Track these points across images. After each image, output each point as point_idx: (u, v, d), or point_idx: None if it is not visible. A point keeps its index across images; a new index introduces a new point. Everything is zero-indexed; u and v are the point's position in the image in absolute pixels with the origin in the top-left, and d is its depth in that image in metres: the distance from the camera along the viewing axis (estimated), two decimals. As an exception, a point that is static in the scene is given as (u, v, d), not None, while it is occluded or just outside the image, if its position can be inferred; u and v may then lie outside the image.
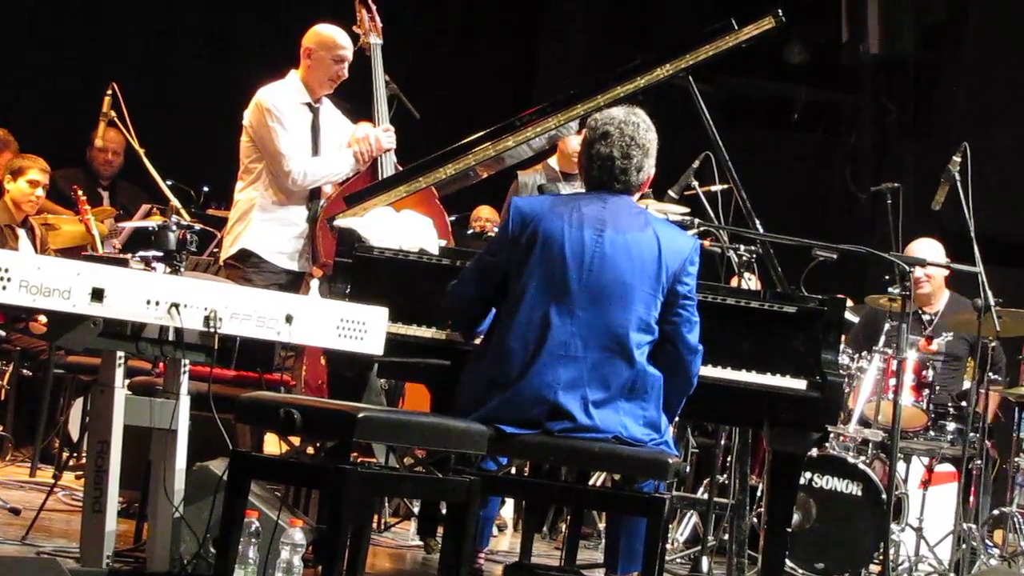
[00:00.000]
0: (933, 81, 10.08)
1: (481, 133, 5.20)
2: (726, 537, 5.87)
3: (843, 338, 6.11)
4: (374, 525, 5.70)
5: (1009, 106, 9.45)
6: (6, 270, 3.43)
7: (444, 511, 4.17)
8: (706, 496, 6.25)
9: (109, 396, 3.88)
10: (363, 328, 4.10)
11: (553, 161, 7.11)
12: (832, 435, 6.27)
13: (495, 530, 6.07)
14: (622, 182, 4.27)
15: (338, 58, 5.89)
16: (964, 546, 6.13)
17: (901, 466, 6.52)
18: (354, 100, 6.27)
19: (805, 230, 5.57)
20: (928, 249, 6.85)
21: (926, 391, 6.40)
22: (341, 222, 4.96)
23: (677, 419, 4.73)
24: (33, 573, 3.70)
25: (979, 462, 6.40)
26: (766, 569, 4.64)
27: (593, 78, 5.32)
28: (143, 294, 3.67)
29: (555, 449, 4.12)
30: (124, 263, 4.74)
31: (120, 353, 3.88)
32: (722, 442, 6.34)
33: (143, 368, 5.33)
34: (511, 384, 4.12)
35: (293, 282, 5.80)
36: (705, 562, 5.93)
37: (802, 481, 5.99)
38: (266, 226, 5.80)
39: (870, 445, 6.47)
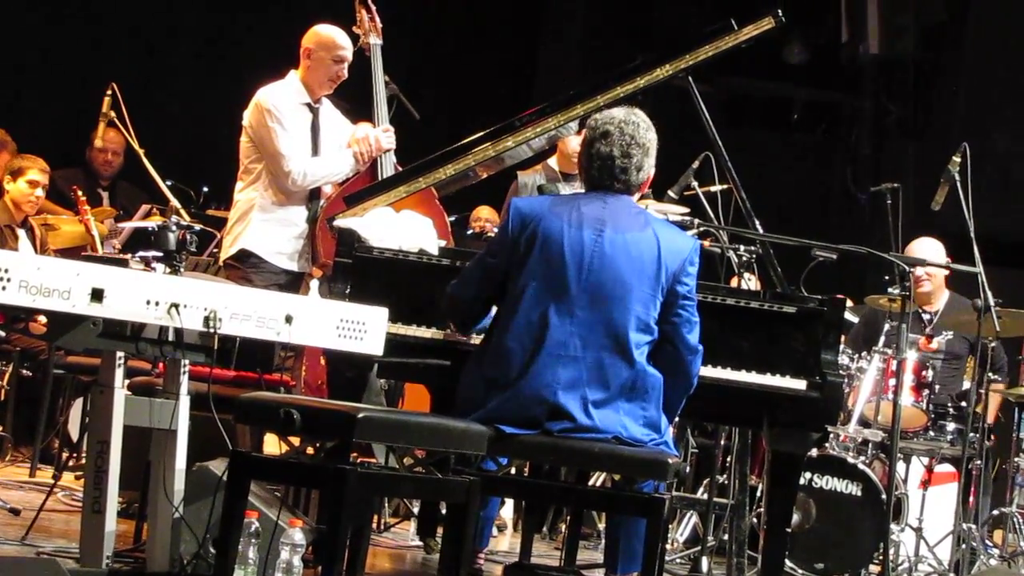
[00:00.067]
0: (933, 81, 10.09)
1: (481, 133, 5.20)
2: (726, 537, 5.87)
3: (843, 338, 6.11)
4: (374, 525, 5.69)
5: (1009, 106, 9.45)
6: (6, 270, 3.43)
7: (444, 511, 4.18)
8: (706, 496, 6.25)
9: (109, 396, 3.88)
10: (363, 328, 4.10)
11: (553, 161, 7.10)
12: (832, 435, 6.26)
13: (495, 530, 6.07)
14: (622, 181, 4.26)
15: (338, 58, 5.88)
16: (964, 546, 6.12)
17: (901, 466, 6.51)
18: (354, 100, 6.27)
19: (805, 230, 5.57)
20: (928, 248, 6.85)
21: (926, 391, 6.40)
22: (341, 222, 4.96)
23: (677, 419, 4.73)
24: (33, 573, 3.71)
25: (979, 462, 6.40)
26: (766, 569, 4.64)
27: (593, 78, 5.31)
28: (143, 294, 3.67)
29: (555, 449, 4.11)
30: (124, 263, 4.72)
31: (120, 353, 3.88)
32: (722, 442, 6.34)
33: (143, 368, 5.33)
34: (511, 384, 4.12)
35: (293, 282, 5.80)
36: (705, 562, 5.93)
37: (802, 481, 5.98)
38: (266, 226, 5.79)
39: (870, 445, 6.47)
